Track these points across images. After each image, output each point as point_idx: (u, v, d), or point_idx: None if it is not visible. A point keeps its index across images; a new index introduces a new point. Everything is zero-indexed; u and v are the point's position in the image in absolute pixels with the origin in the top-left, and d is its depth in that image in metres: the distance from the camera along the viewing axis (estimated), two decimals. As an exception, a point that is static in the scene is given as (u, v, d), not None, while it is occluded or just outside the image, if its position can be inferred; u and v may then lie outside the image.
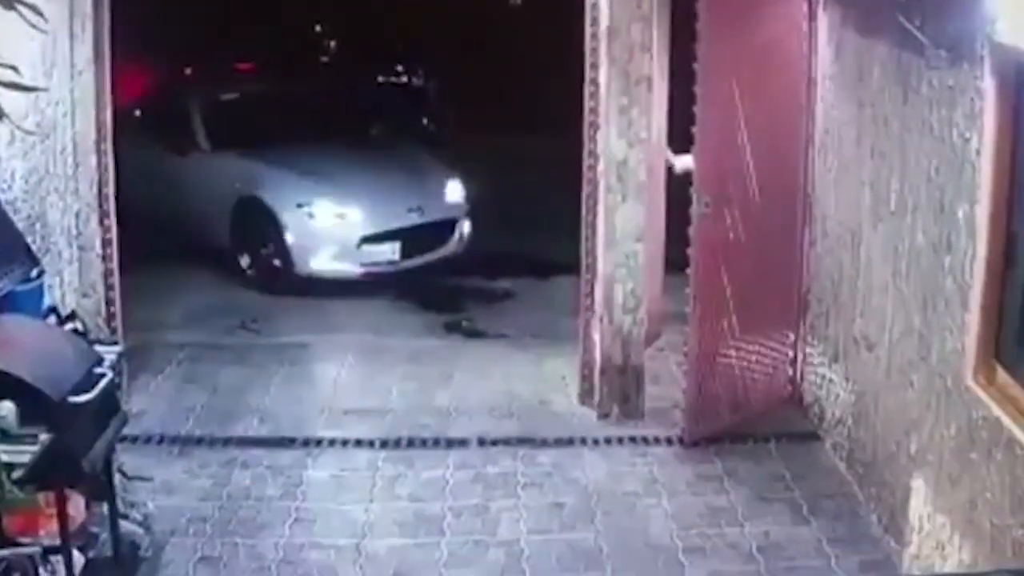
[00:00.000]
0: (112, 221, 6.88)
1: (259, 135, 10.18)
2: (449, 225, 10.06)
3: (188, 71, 12.04)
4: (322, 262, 9.47)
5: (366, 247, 9.52)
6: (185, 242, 9.91)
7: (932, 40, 4.80)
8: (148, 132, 10.32)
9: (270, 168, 9.81)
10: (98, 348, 4.95)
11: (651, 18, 6.62)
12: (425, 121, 14.83)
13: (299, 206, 9.54)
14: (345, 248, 9.47)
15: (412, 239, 9.70)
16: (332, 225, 9.54)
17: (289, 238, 9.49)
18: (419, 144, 11.71)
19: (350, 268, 9.52)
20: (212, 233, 9.87)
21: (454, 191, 10.25)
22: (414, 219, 9.74)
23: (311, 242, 9.49)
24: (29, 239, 5.61)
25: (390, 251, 9.61)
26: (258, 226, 9.67)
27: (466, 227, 10.18)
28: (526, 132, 13.34)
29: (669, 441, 6.60)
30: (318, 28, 17.17)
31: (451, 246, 10.04)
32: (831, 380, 6.45)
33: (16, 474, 4.09)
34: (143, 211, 8.92)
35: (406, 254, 9.67)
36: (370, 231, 9.55)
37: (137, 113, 10.47)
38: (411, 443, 6.64)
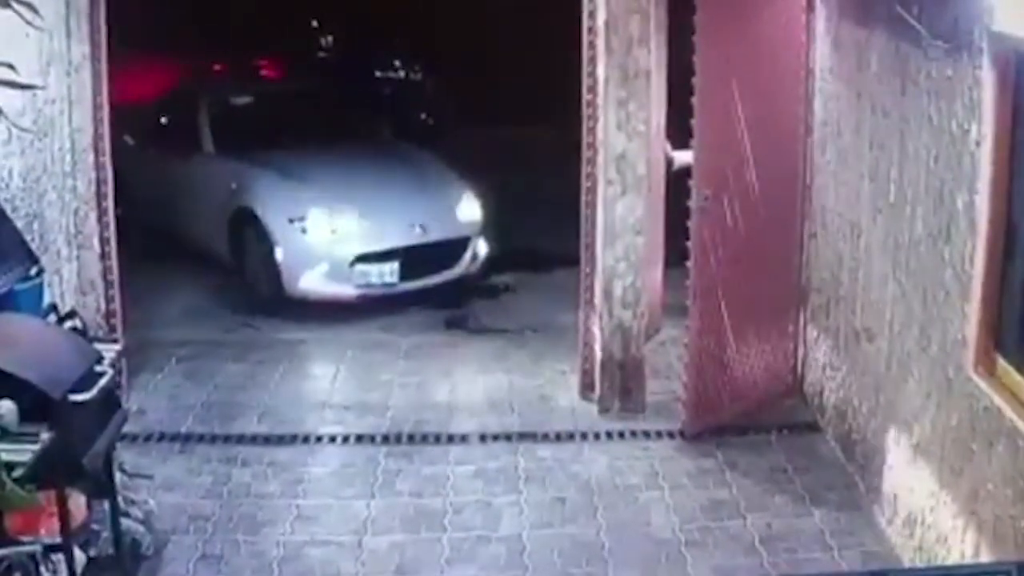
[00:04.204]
0: (111, 218, 6.87)
1: (252, 137, 9.60)
2: (460, 245, 9.11)
3: (192, 72, 11.56)
4: (312, 281, 8.62)
5: (360, 266, 8.63)
6: (188, 251, 9.54)
7: (930, 30, 4.79)
8: (162, 136, 10.00)
9: (264, 175, 9.06)
10: (98, 346, 4.93)
11: (648, 11, 6.61)
12: (424, 115, 14.82)
13: (291, 221, 8.69)
14: (337, 267, 8.59)
15: (413, 259, 8.74)
16: (325, 241, 8.65)
17: (279, 254, 8.64)
18: (431, 151, 10.43)
19: (342, 289, 8.65)
20: (212, 244, 9.32)
21: (468, 207, 9.25)
22: (417, 237, 8.81)
23: (302, 259, 8.62)
24: (28, 237, 5.61)
25: (388, 272, 8.67)
26: (251, 238, 8.92)
27: (481, 247, 9.24)
28: (525, 125, 13.32)
29: (670, 434, 6.59)
30: (315, 23, 17.18)
31: (461, 267, 9.11)
32: (832, 371, 6.44)
33: (17, 473, 4.07)
34: (150, 215, 8.74)
35: (405, 276, 8.72)
36: (365, 249, 8.65)
37: (163, 120, 10.16)
38: (412, 439, 6.64)
